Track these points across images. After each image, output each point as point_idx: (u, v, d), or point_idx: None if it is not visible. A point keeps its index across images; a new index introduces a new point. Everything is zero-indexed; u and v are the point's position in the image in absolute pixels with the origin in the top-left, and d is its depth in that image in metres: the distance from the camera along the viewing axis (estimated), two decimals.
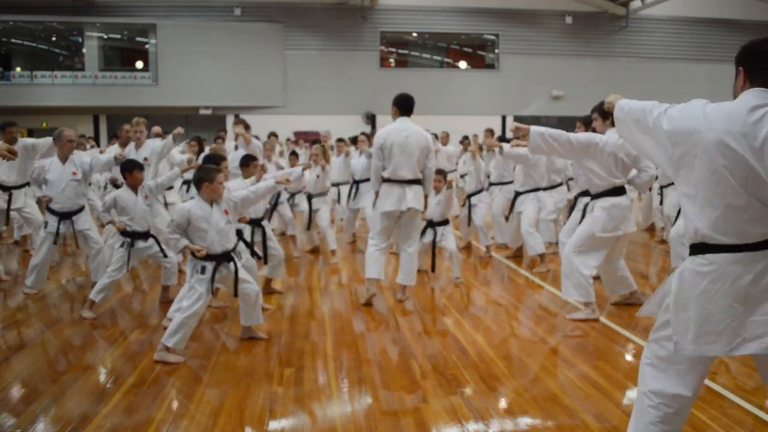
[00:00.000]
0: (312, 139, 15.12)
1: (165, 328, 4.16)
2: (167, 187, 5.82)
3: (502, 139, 7.84)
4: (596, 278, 5.00)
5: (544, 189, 6.73)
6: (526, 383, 3.50)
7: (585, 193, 5.45)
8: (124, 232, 4.81)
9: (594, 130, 4.85)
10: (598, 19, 20.96)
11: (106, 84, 19.10)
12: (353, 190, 7.82)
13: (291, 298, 5.48)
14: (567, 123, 15.48)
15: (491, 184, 7.72)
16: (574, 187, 6.46)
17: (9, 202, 6.06)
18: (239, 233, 4.74)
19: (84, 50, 19.87)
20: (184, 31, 19.06)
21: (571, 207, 5.70)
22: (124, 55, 21.30)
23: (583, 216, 4.95)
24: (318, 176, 7.12)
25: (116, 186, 5.93)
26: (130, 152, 5.90)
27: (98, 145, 16.61)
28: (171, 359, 3.80)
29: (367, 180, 7.11)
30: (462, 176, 9.59)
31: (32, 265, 5.36)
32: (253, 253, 4.91)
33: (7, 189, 6.08)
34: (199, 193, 3.99)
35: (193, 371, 3.70)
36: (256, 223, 5.13)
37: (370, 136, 7.91)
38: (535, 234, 6.52)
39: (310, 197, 7.22)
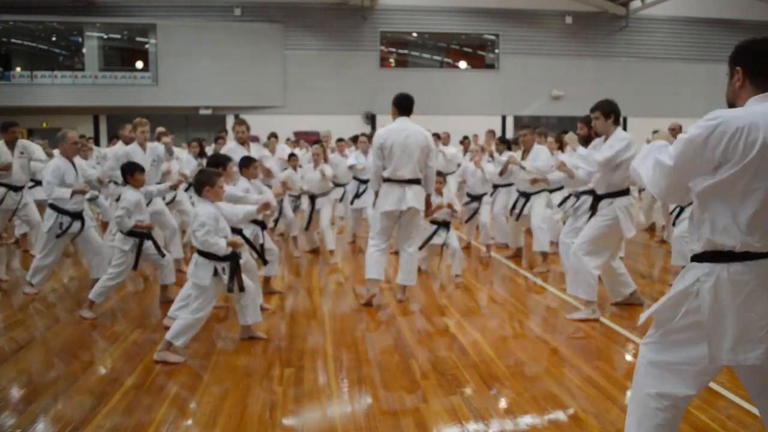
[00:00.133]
0: (312, 139, 15.09)
1: (165, 328, 4.17)
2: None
3: (502, 139, 7.83)
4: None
5: (551, 191, 6.77)
6: (526, 383, 3.50)
7: (582, 193, 5.46)
8: (132, 233, 4.81)
9: (595, 131, 4.85)
10: (598, 19, 20.96)
11: (106, 84, 19.09)
12: (359, 190, 7.86)
13: (291, 298, 5.48)
14: (567, 123, 15.52)
15: (494, 185, 7.72)
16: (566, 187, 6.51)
17: (19, 201, 6.18)
18: (240, 233, 4.75)
19: (84, 50, 19.86)
20: (184, 31, 19.05)
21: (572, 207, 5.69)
22: (124, 55, 21.28)
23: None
24: (324, 174, 7.18)
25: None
26: (136, 154, 5.89)
27: (98, 146, 16.64)
28: (171, 359, 3.80)
29: None
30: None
31: (42, 265, 5.35)
32: (258, 252, 4.98)
33: (19, 189, 6.14)
34: (201, 197, 3.98)
35: (193, 371, 3.70)
36: (257, 222, 5.13)
37: (370, 137, 7.92)
38: (546, 231, 6.57)
39: (313, 197, 7.23)
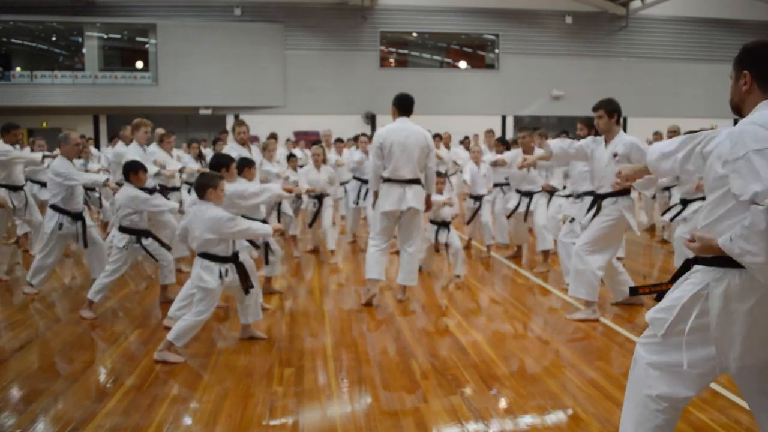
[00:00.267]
0: (312, 139, 15.10)
1: (165, 328, 4.17)
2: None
3: (503, 140, 7.84)
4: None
5: (555, 190, 6.78)
6: (526, 383, 3.50)
7: (583, 194, 5.46)
8: (129, 230, 4.82)
9: (596, 131, 4.85)
10: (598, 19, 20.96)
11: (106, 84, 19.09)
12: (361, 190, 7.89)
13: (291, 298, 5.48)
14: (567, 123, 15.53)
15: (496, 185, 7.73)
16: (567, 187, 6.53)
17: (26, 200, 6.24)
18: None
19: (84, 50, 19.86)
20: (184, 31, 19.05)
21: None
22: (124, 55, 21.28)
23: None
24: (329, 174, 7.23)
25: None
26: (137, 153, 5.89)
27: (98, 146, 16.65)
28: (171, 359, 3.80)
29: None
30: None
31: (43, 265, 5.35)
32: (267, 247, 5.10)
33: (19, 189, 6.18)
34: (203, 199, 3.97)
35: (193, 371, 3.70)
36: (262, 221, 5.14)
37: (370, 137, 7.94)
38: (550, 230, 6.61)
39: (320, 197, 7.23)
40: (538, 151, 6.22)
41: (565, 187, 7.01)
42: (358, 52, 20.09)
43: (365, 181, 7.79)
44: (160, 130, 7.28)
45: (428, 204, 5.28)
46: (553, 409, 3.15)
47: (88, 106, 18.85)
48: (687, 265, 2.16)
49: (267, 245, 5.19)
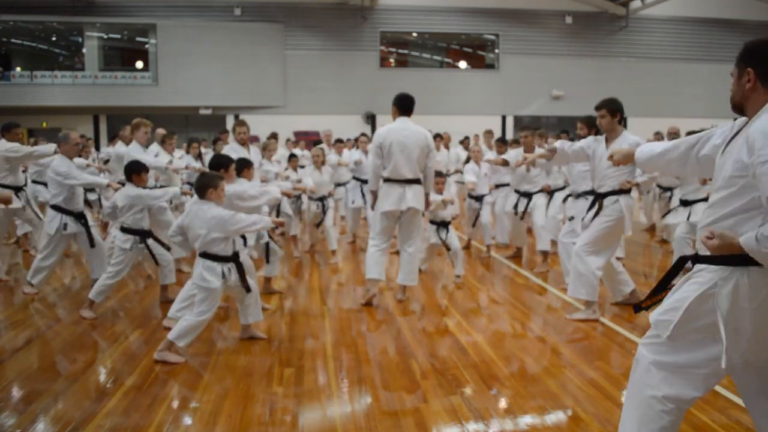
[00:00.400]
0: (312, 139, 15.09)
1: (165, 329, 4.17)
2: None
3: (503, 140, 7.85)
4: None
5: (554, 190, 6.78)
6: (526, 383, 3.50)
7: (583, 194, 5.45)
8: (131, 230, 4.82)
9: (597, 130, 4.85)
10: (598, 19, 20.96)
11: (106, 84, 19.09)
12: (362, 190, 7.89)
13: (291, 298, 5.48)
14: (567, 123, 15.52)
15: (498, 186, 7.73)
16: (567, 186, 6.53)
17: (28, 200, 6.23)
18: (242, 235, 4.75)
19: (84, 50, 19.86)
20: (184, 31, 19.05)
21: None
22: (124, 55, 21.28)
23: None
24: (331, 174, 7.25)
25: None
26: (138, 152, 5.89)
27: (98, 146, 16.65)
28: (171, 359, 3.80)
29: None
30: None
31: (44, 265, 5.34)
32: (267, 247, 5.16)
33: (19, 189, 6.17)
34: (203, 199, 3.96)
35: (194, 371, 3.70)
36: None
37: (370, 137, 7.94)
38: (549, 230, 6.62)
39: (322, 199, 7.23)
40: (539, 151, 6.22)
41: (564, 188, 7.01)
42: (358, 52, 20.09)
43: (365, 181, 7.79)
44: (160, 131, 7.29)
45: (427, 204, 5.29)
46: (553, 409, 3.15)
47: (88, 106, 18.86)
48: (680, 264, 2.16)
49: (267, 245, 5.19)
